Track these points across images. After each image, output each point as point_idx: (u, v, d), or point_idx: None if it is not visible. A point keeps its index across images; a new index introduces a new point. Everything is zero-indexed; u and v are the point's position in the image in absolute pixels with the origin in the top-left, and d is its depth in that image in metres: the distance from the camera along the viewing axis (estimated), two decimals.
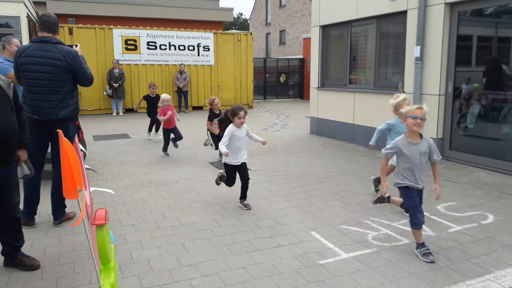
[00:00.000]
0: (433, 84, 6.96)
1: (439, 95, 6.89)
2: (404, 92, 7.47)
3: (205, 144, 7.55)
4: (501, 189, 5.42)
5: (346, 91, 9.03)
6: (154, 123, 9.36)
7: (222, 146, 4.67)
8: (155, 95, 9.38)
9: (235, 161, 4.78)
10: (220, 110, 7.04)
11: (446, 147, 7.05)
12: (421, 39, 6.98)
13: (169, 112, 7.56)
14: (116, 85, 13.81)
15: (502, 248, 3.73)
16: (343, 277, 3.25)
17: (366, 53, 8.68)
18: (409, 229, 4.18)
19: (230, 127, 4.77)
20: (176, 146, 7.88)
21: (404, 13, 7.45)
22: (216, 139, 6.81)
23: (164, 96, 7.82)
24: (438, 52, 6.82)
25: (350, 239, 3.95)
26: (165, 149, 7.74)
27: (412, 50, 7.25)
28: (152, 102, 9.34)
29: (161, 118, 7.55)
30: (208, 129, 7.24)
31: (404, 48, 7.51)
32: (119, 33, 14.52)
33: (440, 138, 7.03)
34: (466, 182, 5.76)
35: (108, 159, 7.46)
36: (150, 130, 9.51)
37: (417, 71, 7.06)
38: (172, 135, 7.84)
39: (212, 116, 7.07)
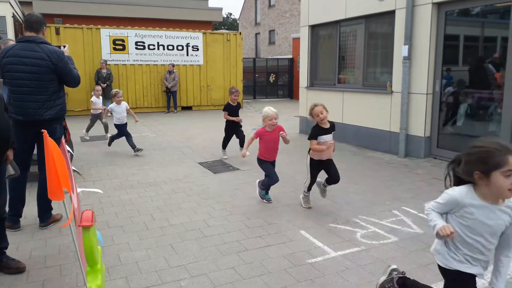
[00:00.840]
0: (421, 83, 7.02)
1: (427, 94, 6.95)
2: (392, 91, 7.54)
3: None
4: None
5: (335, 90, 9.07)
6: (230, 137, 7.48)
7: (435, 219, 2.16)
8: (236, 103, 7.43)
9: (474, 268, 2.19)
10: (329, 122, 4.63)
11: (434, 146, 7.12)
12: (409, 39, 7.03)
13: (281, 133, 4.83)
14: (103, 85, 13.68)
15: None
16: (332, 275, 3.25)
17: (354, 53, 8.73)
18: (398, 227, 4.22)
19: (466, 191, 2.12)
20: (268, 199, 5.01)
21: (392, 13, 7.50)
22: (316, 167, 4.67)
23: (269, 112, 4.82)
24: (426, 51, 6.88)
25: (339, 238, 3.96)
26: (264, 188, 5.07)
27: (400, 50, 7.30)
28: (233, 111, 7.41)
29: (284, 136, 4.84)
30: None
31: (392, 47, 7.57)
32: (106, 33, 14.38)
33: (427, 136, 7.10)
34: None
35: (96, 160, 7.38)
36: (224, 147, 7.51)
37: (405, 70, 7.12)
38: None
39: (317, 133, 4.54)
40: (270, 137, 4.89)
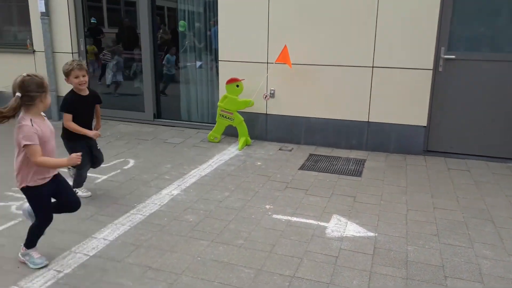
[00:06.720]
0: (65, 42, 6.74)
1: (72, 53, 6.76)
2: (34, 51, 6.90)
3: None
4: (138, 137, 6.04)
5: None
6: None
7: None
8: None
9: None
10: None
11: None
12: None
13: None
14: None
15: (142, 185, 4.21)
16: None
17: None
18: None
19: None
20: None
21: None
22: None
23: None
24: (65, 7, 6.58)
25: None
26: None
27: (36, 4, 6.67)
28: None
29: None
30: None
31: (27, 1, 6.80)
32: None
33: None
34: (109, 136, 6.04)
35: None
36: None
37: (45, 28, 6.62)
38: None
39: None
40: None
